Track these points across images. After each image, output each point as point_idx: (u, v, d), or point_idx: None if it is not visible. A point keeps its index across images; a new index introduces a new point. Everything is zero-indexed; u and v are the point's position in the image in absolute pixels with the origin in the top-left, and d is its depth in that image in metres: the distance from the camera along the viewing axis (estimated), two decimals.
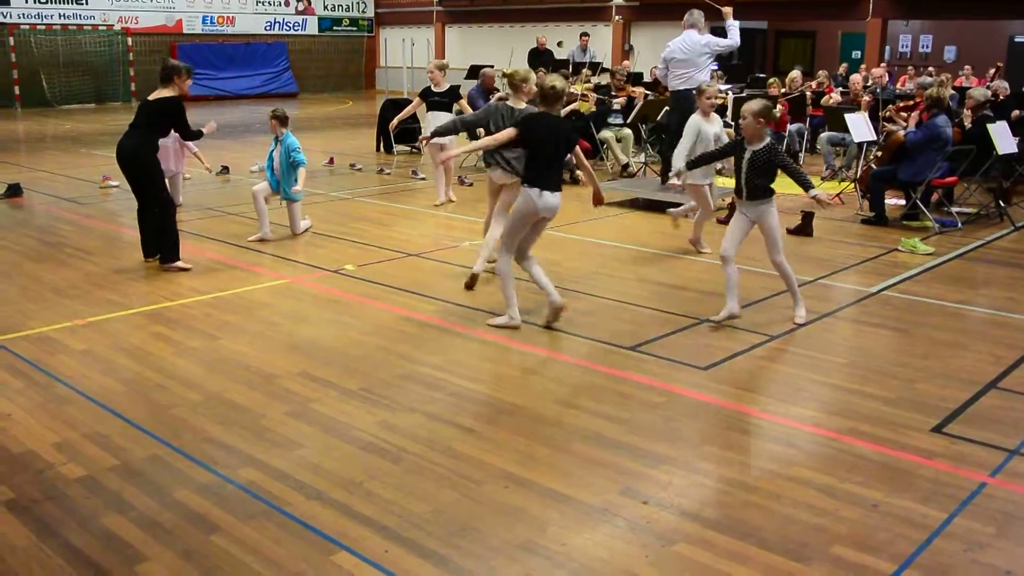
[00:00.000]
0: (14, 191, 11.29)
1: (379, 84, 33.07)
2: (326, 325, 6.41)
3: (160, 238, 7.90)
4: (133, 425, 4.73)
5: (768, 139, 6.34)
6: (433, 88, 11.28)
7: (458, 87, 11.46)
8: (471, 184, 12.53)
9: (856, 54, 24.72)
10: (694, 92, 10.45)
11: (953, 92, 13.89)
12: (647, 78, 18.03)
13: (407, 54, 23.03)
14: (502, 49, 23.76)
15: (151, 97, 7.85)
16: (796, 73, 15.25)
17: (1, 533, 3.70)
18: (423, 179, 13.04)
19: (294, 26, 31.74)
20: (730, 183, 11.98)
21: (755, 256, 8.46)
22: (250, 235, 8.95)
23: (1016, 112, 12.64)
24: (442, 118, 11.11)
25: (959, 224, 9.88)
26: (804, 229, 9.40)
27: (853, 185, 11.51)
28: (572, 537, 3.70)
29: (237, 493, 4.04)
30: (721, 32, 10.77)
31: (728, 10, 10.72)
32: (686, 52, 10.47)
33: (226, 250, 8.61)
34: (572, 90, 13.04)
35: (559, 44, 24.88)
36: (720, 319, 6.41)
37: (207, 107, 26.16)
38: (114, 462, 4.31)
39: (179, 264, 7.83)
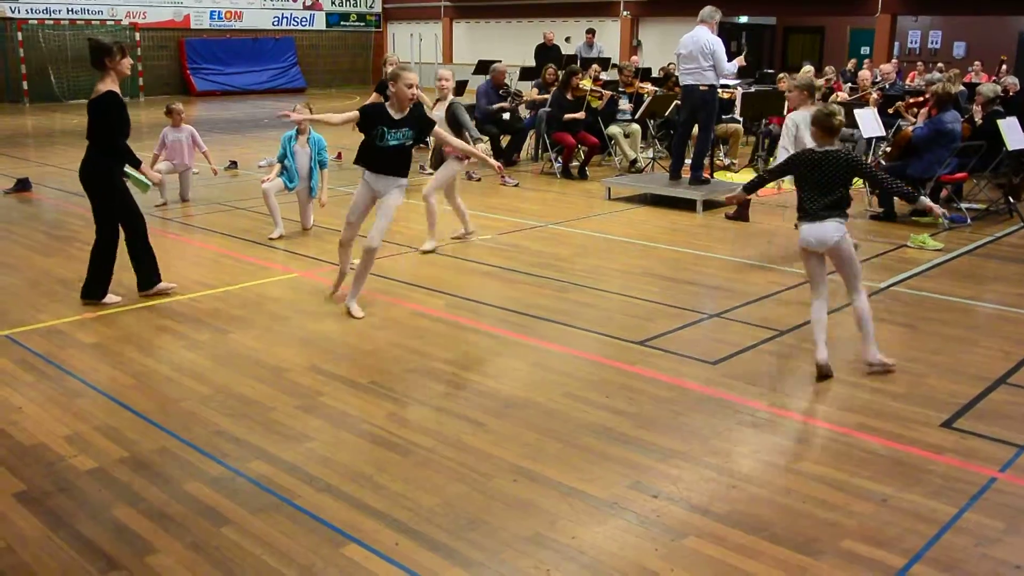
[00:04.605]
0: (23, 185, 11.32)
1: None
2: (335, 319, 6.42)
3: (97, 268, 6.67)
4: (143, 418, 4.74)
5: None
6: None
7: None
8: (479, 179, 12.53)
9: (865, 50, 24.65)
10: (701, 88, 10.47)
11: (962, 88, 13.84)
12: (655, 74, 18.01)
13: (415, 49, 23.02)
14: (510, 44, 23.80)
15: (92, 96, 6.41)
16: (809, 67, 15.21)
17: (13, 524, 3.72)
18: (430, 174, 13.03)
19: (302, 21, 31.76)
20: (739, 178, 11.99)
21: (763, 252, 8.47)
22: (268, 233, 8.88)
23: None
24: None
25: (968, 220, 9.85)
26: None
27: (862, 181, 11.47)
28: (582, 531, 3.70)
29: (247, 486, 4.05)
30: (730, 30, 10.78)
31: (740, 59, 10.99)
32: (688, 48, 10.45)
33: (235, 244, 8.62)
34: (581, 85, 13.01)
35: (567, 39, 24.85)
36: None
37: (215, 102, 26.22)
38: (124, 454, 4.32)
39: (106, 300, 6.70)
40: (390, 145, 6.20)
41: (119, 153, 6.51)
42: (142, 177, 6.82)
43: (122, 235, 6.73)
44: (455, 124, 8.41)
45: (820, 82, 13.29)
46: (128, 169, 6.74)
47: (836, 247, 5.39)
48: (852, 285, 5.50)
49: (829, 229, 5.38)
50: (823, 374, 5.35)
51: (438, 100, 8.68)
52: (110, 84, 6.38)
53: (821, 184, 5.42)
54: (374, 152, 6.24)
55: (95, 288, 6.69)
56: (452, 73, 8.91)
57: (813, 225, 5.42)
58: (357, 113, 6.22)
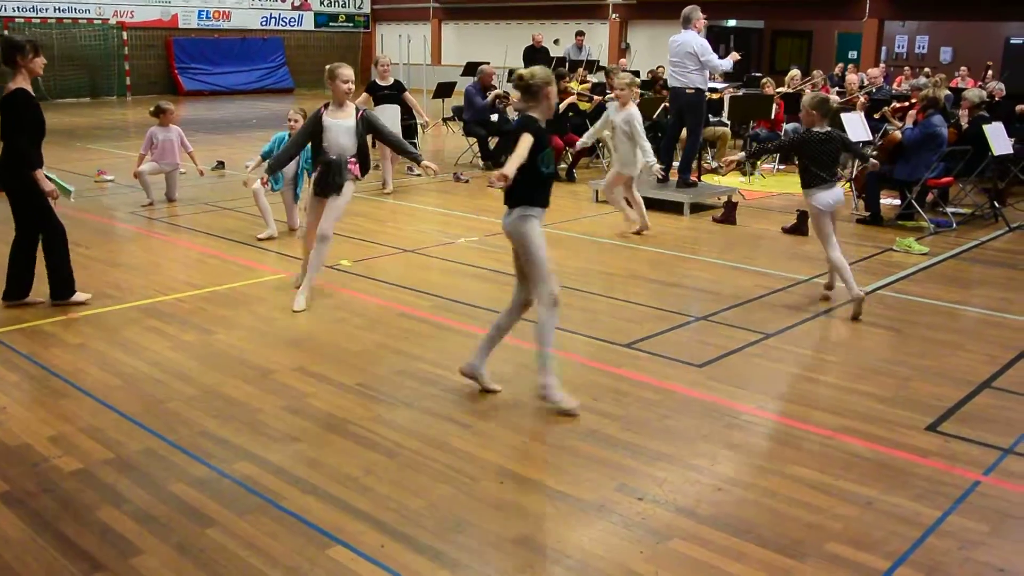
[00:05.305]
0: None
1: None
2: (322, 320, 6.41)
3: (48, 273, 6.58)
4: (128, 419, 4.72)
5: None
6: (379, 82, 11.45)
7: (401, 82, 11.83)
8: (467, 181, 12.53)
9: (852, 54, 24.75)
10: (688, 91, 10.50)
11: (949, 93, 13.92)
12: (643, 77, 18.03)
13: (403, 51, 23.00)
14: (498, 46, 23.81)
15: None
16: (796, 72, 15.27)
17: None
18: (418, 175, 13.03)
19: (290, 21, 31.68)
20: (726, 181, 12.01)
21: (750, 255, 8.49)
22: (255, 233, 8.87)
23: (1020, 107, 12.63)
24: (390, 111, 11.25)
25: (954, 224, 9.90)
26: (799, 229, 9.42)
27: (849, 185, 11.52)
28: (568, 533, 3.70)
29: (233, 487, 4.04)
30: (718, 34, 10.80)
31: (735, 55, 10.96)
32: (675, 51, 10.48)
33: (221, 244, 8.60)
34: (569, 88, 13.04)
35: (555, 42, 24.89)
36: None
37: (203, 102, 26.13)
38: (109, 455, 4.31)
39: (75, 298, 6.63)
40: (553, 169, 4.93)
41: (20, 152, 6.19)
42: (63, 182, 6.67)
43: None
44: (370, 133, 6.87)
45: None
46: (51, 174, 6.58)
47: (841, 203, 6.93)
48: (837, 238, 6.89)
49: (840, 191, 6.90)
50: (859, 311, 6.57)
51: (336, 105, 6.71)
52: (21, 82, 6.19)
53: (827, 158, 6.78)
54: (543, 180, 4.83)
55: (12, 289, 6.55)
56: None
57: (830, 191, 6.79)
58: (531, 138, 4.64)
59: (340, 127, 6.64)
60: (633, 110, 9.01)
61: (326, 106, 6.70)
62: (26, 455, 4.31)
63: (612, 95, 12.64)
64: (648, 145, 9.02)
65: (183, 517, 3.77)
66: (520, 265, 4.98)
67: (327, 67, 6.79)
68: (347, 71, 6.69)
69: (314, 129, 6.68)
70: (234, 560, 3.47)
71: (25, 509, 3.82)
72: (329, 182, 6.61)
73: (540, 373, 4.92)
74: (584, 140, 10.24)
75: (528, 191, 4.80)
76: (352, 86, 6.72)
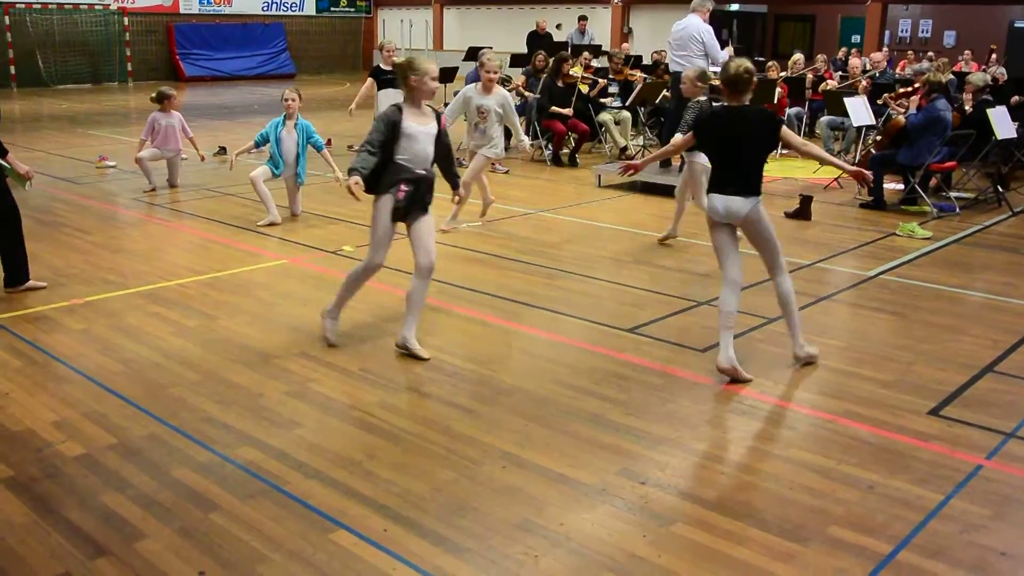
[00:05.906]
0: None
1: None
2: (324, 305, 6.39)
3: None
4: (131, 404, 4.73)
5: None
6: (383, 67, 11.45)
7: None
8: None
9: (856, 38, 24.64)
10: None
11: (952, 77, 13.87)
12: (647, 61, 17.98)
13: (405, 36, 22.94)
14: (500, 31, 23.75)
15: None
16: (799, 56, 15.22)
17: (0, 510, 3.71)
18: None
19: (292, 7, 31.58)
20: None
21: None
22: (257, 219, 8.86)
23: (1015, 98, 12.62)
24: (393, 96, 11.20)
25: (957, 209, 9.88)
26: (802, 213, 9.40)
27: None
28: (570, 517, 3.71)
29: (236, 472, 4.04)
30: (721, 18, 10.79)
31: (730, 49, 10.91)
32: (679, 35, 10.46)
33: (223, 230, 8.59)
34: (571, 72, 13.01)
35: (558, 26, 24.79)
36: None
37: (204, 87, 26.08)
38: (112, 441, 4.31)
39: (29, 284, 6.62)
40: None
41: None
42: (16, 170, 6.63)
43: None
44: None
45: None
46: (3, 162, 6.52)
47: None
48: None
49: None
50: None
51: (415, 106, 5.51)
52: None
53: None
54: None
55: (16, 275, 6.55)
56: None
57: None
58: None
59: (425, 134, 5.38)
60: (504, 91, 8.70)
61: (399, 108, 5.42)
62: (29, 440, 4.32)
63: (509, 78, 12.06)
64: (519, 123, 8.95)
65: (186, 502, 3.78)
66: (759, 245, 5.40)
67: (404, 60, 5.52)
68: (434, 66, 5.43)
69: (391, 137, 5.30)
70: (237, 544, 3.48)
71: (29, 494, 3.84)
72: (417, 201, 5.45)
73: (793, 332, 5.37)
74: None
75: (761, 179, 5.27)
76: (438, 84, 5.48)
